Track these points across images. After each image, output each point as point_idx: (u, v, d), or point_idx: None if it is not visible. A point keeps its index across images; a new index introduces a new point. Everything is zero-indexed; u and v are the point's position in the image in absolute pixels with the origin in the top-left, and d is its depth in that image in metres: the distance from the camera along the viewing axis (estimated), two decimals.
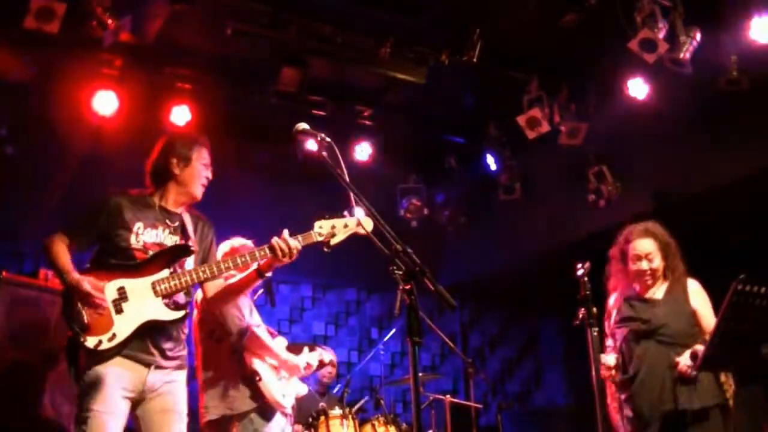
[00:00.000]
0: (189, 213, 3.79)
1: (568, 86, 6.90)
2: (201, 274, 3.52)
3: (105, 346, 3.34)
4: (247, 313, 4.55)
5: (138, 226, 3.56)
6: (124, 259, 3.49)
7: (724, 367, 4.15)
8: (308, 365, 4.91)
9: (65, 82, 6.12)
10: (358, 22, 6.22)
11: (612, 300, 4.60)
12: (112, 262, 3.48)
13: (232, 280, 3.80)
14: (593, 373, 4.03)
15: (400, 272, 2.76)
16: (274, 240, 3.55)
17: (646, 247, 4.45)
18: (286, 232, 3.55)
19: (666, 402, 4.19)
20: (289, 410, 4.63)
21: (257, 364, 4.47)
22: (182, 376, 3.62)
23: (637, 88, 6.40)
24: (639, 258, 4.44)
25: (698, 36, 5.72)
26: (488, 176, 7.88)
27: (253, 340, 4.44)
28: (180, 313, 3.52)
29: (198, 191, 3.74)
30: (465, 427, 6.74)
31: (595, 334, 4.05)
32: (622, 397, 4.35)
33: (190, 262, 3.62)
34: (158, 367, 3.49)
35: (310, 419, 5.30)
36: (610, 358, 4.35)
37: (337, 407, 5.41)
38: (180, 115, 6.51)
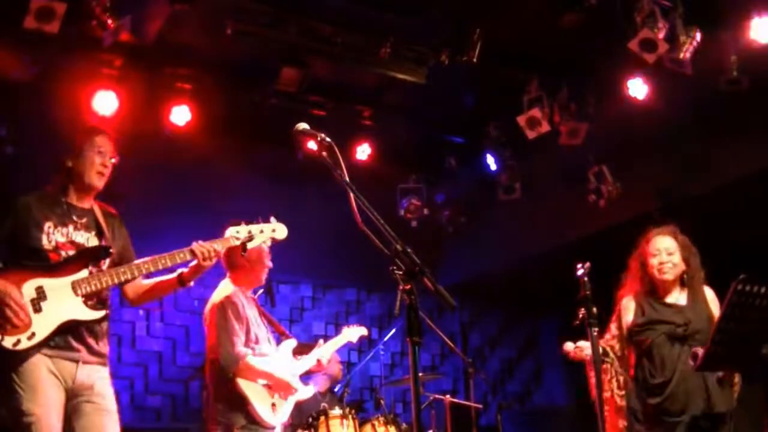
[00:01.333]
0: (99, 208, 3.74)
1: (568, 86, 6.90)
2: (122, 275, 3.52)
3: (24, 344, 3.29)
4: (241, 340, 4.49)
5: (48, 225, 3.53)
6: (38, 259, 3.46)
7: (724, 367, 4.15)
8: (319, 362, 5.01)
9: (65, 82, 6.12)
10: (358, 22, 6.22)
11: (626, 301, 4.52)
12: (26, 263, 3.43)
13: (149, 281, 3.80)
14: (593, 373, 4.03)
15: (400, 272, 2.75)
16: (195, 245, 3.59)
17: (666, 244, 4.44)
18: (200, 242, 3.62)
19: (699, 405, 4.17)
20: (284, 422, 4.68)
21: (249, 385, 4.46)
22: (107, 372, 3.61)
23: (637, 88, 6.40)
24: (659, 252, 4.41)
25: (698, 36, 5.72)
26: (488, 176, 7.88)
27: (244, 370, 4.45)
28: (101, 313, 3.51)
29: (94, 180, 3.66)
30: (465, 427, 6.73)
31: (595, 334, 4.05)
32: (650, 401, 4.29)
33: (107, 262, 3.61)
34: (85, 362, 3.47)
35: (310, 419, 5.30)
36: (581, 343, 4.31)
37: (337, 407, 5.41)
38: (180, 115, 6.51)
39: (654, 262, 4.42)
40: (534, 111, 6.75)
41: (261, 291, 5.70)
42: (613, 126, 6.81)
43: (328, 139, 3.11)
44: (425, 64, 6.56)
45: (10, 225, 3.50)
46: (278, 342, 4.90)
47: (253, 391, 4.46)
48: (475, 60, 6.38)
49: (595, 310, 4.05)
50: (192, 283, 3.74)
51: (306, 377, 6.58)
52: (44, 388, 3.33)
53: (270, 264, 4.79)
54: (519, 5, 6.05)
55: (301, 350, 5.68)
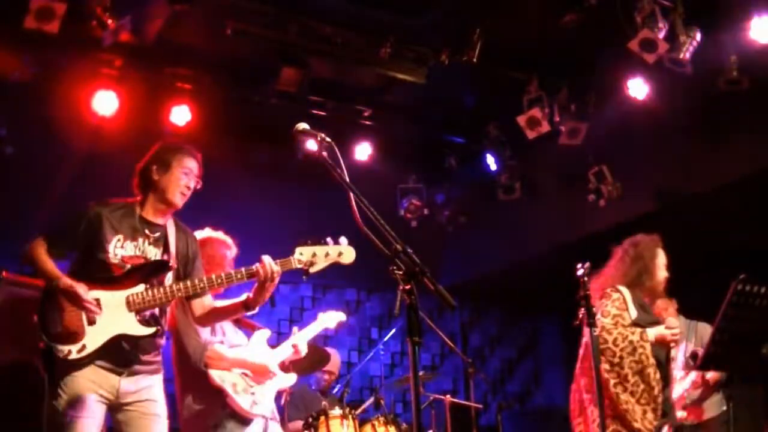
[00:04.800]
0: (175, 224, 3.74)
1: (568, 86, 6.91)
2: (176, 291, 3.51)
3: (74, 356, 3.33)
4: (205, 331, 4.42)
5: (117, 238, 3.53)
6: (101, 271, 3.47)
7: (724, 367, 4.16)
8: (295, 348, 4.88)
9: (65, 82, 6.12)
10: (358, 22, 6.22)
11: (624, 293, 4.41)
12: (89, 274, 3.45)
13: (219, 303, 3.79)
14: (593, 373, 4.03)
15: (400, 272, 2.75)
16: (256, 265, 3.50)
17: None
18: (266, 257, 3.50)
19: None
20: (266, 413, 4.55)
21: (225, 376, 4.40)
22: (158, 379, 3.63)
23: (637, 88, 6.40)
24: (666, 267, 4.45)
25: (698, 36, 5.72)
26: (488, 176, 7.88)
27: (212, 357, 4.38)
28: (151, 329, 3.49)
29: (176, 198, 3.66)
30: (465, 427, 6.73)
31: (596, 334, 4.05)
32: (651, 406, 4.23)
33: (169, 277, 3.60)
34: (131, 373, 3.49)
35: (310, 419, 5.29)
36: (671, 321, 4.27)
37: (337, 407, 5.40)
38: (180, 115, 6.51)
39: (663, 276, 4.44)
40: (534, 111, 6.75)
41: None
42: (613, 126, 6.81)
43: (328, 139, 3.10)
44: (425, 64, 6.56)
45: (80, 234, 3.52)
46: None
47: (229, 383, 4.38)
48: (475, 60, 6.38)
49: (595, 309, 4.06)
50: (257, 310, 3.60)
51: (306, 378, 6.61)
52: (86, 398, 3.37)
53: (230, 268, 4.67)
54: (519, 5, 6.06)
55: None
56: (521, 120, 6.81)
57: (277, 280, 3.52)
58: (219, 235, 4.68)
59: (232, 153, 6.97)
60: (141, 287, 3.47)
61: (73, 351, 3.33)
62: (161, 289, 3.49)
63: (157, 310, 3.56)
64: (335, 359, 6.88)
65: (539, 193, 7.79)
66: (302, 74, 6.40)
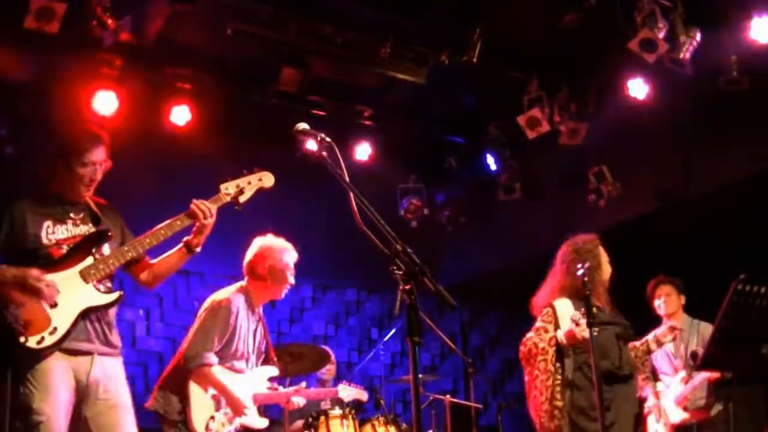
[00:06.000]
0: (93, 201, 3.75)
1: (568, 86, 6.90)
2: (127, 253, 3.55)
3: (48, 341, 3.32)
4: (215, 348, 4.40)
5: (46, 224, 3.54)
6: (41, 258, 3.46)
7: (724, 367, 4.16)
8: (289, 403, 4.82)
9: (65, 82, 6.12)
10: (358, 22, 6.22)
11: (565, 302, 4.54)
12: (29, 265, 3.40)
13: (157, 259, 3.81)
14: (593, 373, 4.04)
15: (400, 272, 2.75)
16: (193, 204, 3.63)
17: None
18: (196, 200, 3.66)
19: None
20: None
21: (196, 392, 4.38)
22: (120, 363, 3.64)
23: (637, 88, 6.40)
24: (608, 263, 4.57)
25: (698, 36, 5.72)
26: (488, 176, 7.88)
27: (201, 376, 4.38)
28: (114, 295, 3.55)
29: (82, 191, 3.64)
30: (465, 427, 6.73)
31: (595, 334, 4.06)
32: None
33: (106, 249, 3.61)
34: (100, 354, 3.51)
35: (310, 419, 5.29)
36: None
37: (337, 407, 5.40)
38: (180, 115, 6.51)
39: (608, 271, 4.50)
40: (534, 111, 6.75)
41: None
42: (613, 126, 6.81)
43: (328, 139, 3.11)
44: (425, 64, 6.56)
45: (6, 230, 3.50)
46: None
47: (196, 398, 4.37)
48: (475, 60, 6.38)
49: (595, 309, 4.07)
50: (200, 249, 3.74)
51: (306, 378, 6.60)
52: (57, 390, 3.36)
53: (293, 281, 4.71)
54: (519, 5, 6.06)
55: (299, 352, 5.65)
56: (521, 120, 6.81)
57: (214, 218, 3.68)
58: (281, 243, 4.70)
59: (232, 153, 6.96)
60: (90, 260, 3.50)
61: (46, 336, 3.31)
62: (112, 255, 3.53)
63: (112, 278, 3.59)
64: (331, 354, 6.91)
65: (539, 193, 7.79)
66: (302, 74, 6.40)
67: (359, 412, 5.66)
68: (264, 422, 4.72)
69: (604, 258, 4.57)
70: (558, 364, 4.35)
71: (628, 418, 4.38)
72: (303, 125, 3.25)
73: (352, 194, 2.93)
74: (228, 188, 3.79)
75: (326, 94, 6.96)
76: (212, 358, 4.40)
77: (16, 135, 6.28)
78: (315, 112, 6.91)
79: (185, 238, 3.74)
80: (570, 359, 4.35)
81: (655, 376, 6.08)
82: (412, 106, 7.41)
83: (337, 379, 7.27)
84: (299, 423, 5.63)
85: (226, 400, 4.47)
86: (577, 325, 4.17)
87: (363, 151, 7.54)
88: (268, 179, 3.94)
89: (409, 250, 2.79)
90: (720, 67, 5.89)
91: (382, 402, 6.13)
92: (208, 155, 6.74)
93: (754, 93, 5.86)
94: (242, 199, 3.81)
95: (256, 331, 4.68)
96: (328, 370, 6.97)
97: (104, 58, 6.15)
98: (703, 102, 6.20)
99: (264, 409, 4.88)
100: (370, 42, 6.32)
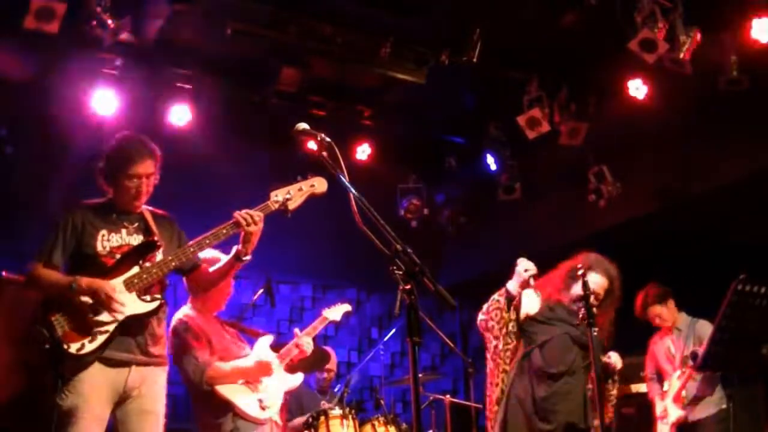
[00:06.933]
0: (150, 211, 3.81)
1: (568, 86, 6.90)
2: (171, 263, 3.58)
3: (88, 348, 3.37)
4: (204, 353, 4.45)
5: (102, 233, 3.61)
6: (95, 267, 3.53)
7: (724, 367, 4.16)
8: (300, 348, 4.88)
9: (65, 82, 6.12)
10: (358, 22, 6.22)
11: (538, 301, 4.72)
12: (84, 273, 3.49)
13: (212, 268, 3.86)
14: (593, 373, 4.04)
15: (400, 272, 2.76)
16: (236, 213, 3.63)
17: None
18: (239, 211, 3.65)
19: None
20: (276, 417, 4.62)
21: (231, 389, 4.43)
22: (162, 374, 3.68)
23: (637, 88, 6.40)
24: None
25: (698, 36, 5.72)
26: (488, 176, 7.88)
27: (217, 378, 4.40)
28: (155, 303, 3.58)
29: (131, 207, 3.72)
30: (465, 427, 6.73)
31: (595, 333, 4.06)
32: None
33: (159, 257, 3.65)
34: (138, 364, 3.53)
35: (310, 419, 5.29)
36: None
37: (337, 407, 5.40)
38: (180, 115, 6.51)
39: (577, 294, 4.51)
40: (534, 111, 6.75)
41: (261, 291, 5.69)
42: (613, 126, 6.81)
43: (327, 139, 3.11)
44: (425, 64, 6.56)
45: (68, 240, 3.57)
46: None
47: (234, 394, 4.42)
48: (475, 60, 6.38)
49: (595, 309, 4.07)
50: (249, 257, 3.73)
51: (306, 378, 6.60)
52: (92, 400, 3.41)
53: (230, 291, 4.72)
54: (519, 5, 6.05)
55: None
56: (521, 120, 6.81)
57: (260, 225, 3.66)
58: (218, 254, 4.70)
59: (232, 153, 6.97)
60: (136, 269, 3.54)
61: (86, 344, 3.37)
62: (156, 265, 3.57)
63: (156, 288, 3.63)
64: (333, 357, 6.89)
65: (539, 193, 7.79)
66: (302, 74, 6.40)
67: (359, 411, 5.65)
68: (299, 376, 4.88)
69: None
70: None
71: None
72: (303, 125, 3.26)
73: (352, 194, 2.94)
74: (278, 195, 3.73)
75: (326, 94, 6.96)
76: (208, 358, 4.42)
77: (16, 135, 6.29)
78: (315, 112, 6.91)
79: (236, 248, 3.74)
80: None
81: (660, 377, 6.08)
82: (412, 106, 7.40)
83: (337, 379, 7.27)
84: (299, 421, 5.63)
85: (251, 373, 4.51)
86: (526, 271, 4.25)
87: (363, 151, 7.54)
88: (321, 185, 3.78)
89: (408, 250, 2.79)
90: (720, 67, 5.89)
91: (382, 402, 6.13)
92: (208, 155, 6.74)
93: (754, 93, 5.86)
94: (291, 205, 3.72)
95: (222, 331, 4.70)
96: (326, 378, 6.92)
97: (104, 58, 6.15)
98: (703, 102, 6.20)
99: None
100: (370, 42, 6.32)
